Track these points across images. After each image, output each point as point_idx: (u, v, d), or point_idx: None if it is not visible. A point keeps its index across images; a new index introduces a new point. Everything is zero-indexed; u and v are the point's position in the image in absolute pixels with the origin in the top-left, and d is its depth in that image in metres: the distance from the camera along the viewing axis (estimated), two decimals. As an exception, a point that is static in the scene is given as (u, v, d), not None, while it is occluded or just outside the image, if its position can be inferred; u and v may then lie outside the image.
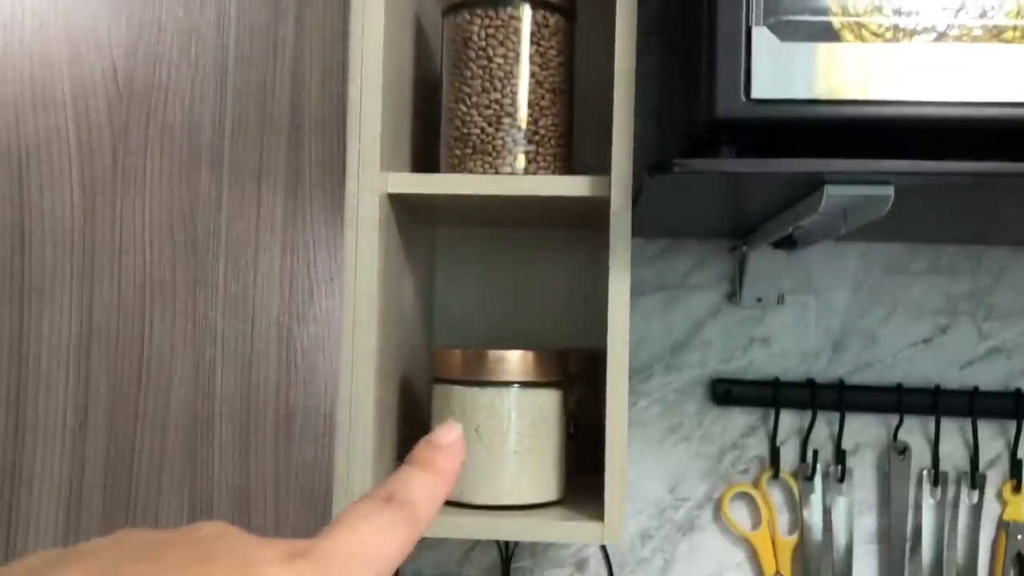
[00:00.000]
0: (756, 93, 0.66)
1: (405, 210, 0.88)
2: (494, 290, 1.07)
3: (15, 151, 0.60)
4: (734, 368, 1.06)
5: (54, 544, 0.62)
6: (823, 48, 0.66)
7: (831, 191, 0.68)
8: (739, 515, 1.06)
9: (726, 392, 1.05)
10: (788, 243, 0.93)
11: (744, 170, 0.66)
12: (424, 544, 1.08)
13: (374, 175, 0.77)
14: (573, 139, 0.89)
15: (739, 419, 1.06)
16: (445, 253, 1.07)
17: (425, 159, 0.93)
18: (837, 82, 0.66)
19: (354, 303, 0.77)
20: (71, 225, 0.62)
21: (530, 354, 0.81)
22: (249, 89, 0.68)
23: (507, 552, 1.07)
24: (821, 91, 0.66)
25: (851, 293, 1.06)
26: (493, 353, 0.81)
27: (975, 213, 0.87)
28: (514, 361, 0.81)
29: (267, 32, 0.69)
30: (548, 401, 0.82)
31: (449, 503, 0.82)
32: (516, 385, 0.81)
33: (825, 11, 0.67)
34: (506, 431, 0.80)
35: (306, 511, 0.73)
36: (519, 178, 0.80)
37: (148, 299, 0.65)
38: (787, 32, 0.66)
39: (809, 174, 0.66)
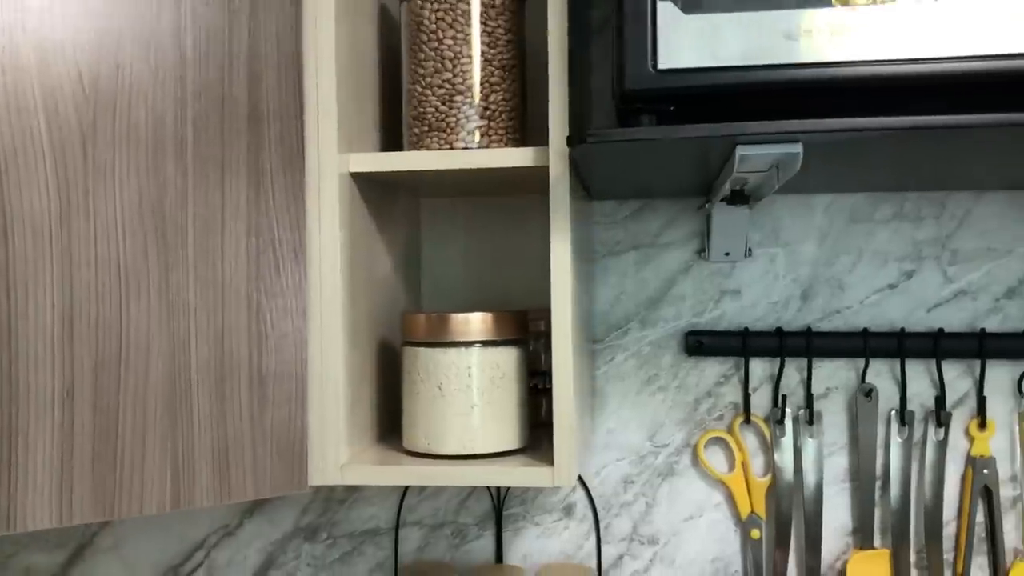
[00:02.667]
0: (663, 64, 0.71)
1: (376, 186, 0.95)
2: (477, 255, 1.13)
3: (-6, 155, 0.68)
4: (707, 320, 1.11)
5: (50, 506, 0.71)
6: (724, 17, 0.70)
7: (742, 151, 0.73)
8: (715, 459, 1.11)
9: (698, 344, 1.10)
10: (741, 199, 0.97)
11: (650, 137, 0.71)
12: (423, 494, 1.16)
13: (331, 157, 0.84)
14: (527, 112, 0.94)
15: (713, 368, 1.11)
16: (429, 223, 1.14)
17: (393, 138, 1.00)
18: (738, 49, 0.70)
19: (320, 275, 0.84)
20: (48, 218, 0.70)
21: (489, 315, 0.88)
22: (208, 86, 0.75)
23: (499, 500, 1.15)
24: (724, 58, 0.70)
25: (818, 244, 1.10)
26: (453, 316, 0.87)
27: (929, 163, 0.90)
28: (473, 322, 0.87)
29: (222, 32, 0.76)
30: (506, 358, 0.89)
31: (419, 454, 0.89)
32: (477, 344, 0.87)
33: (727, -17, 0.71)
34: (467, 387, 0.87)
35: (283, 465, 0.81)
36: (466, 152, 0.86)
37: (124, 282, 0.73)
38: (691, 4, 0.71)
39: (720, 137, 0.71)
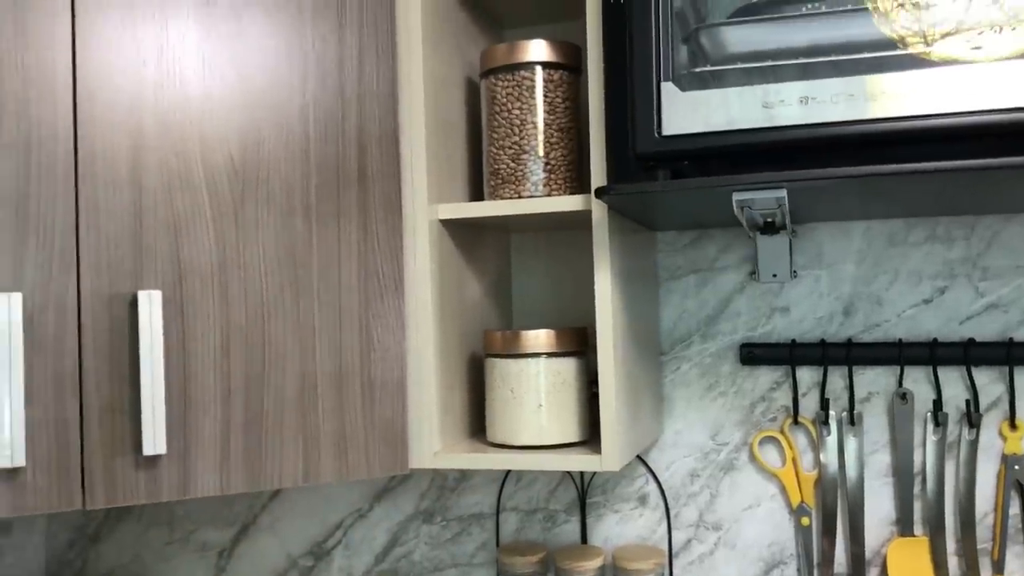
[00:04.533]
0: (666, 131, 0.90)
1: (464, 228, 1.17)
2: (557, 281, 1.34)
3: (171, 217, 0.94)
4: (759, 334, 1.27)
5: (213, 478, 0.96)
6: (714, 93, 0.88)
7: (737, 197, 0.91)
8: (769, 455, 1.27)
9: (751, 354, 1.26)
10: (772, 229, 1.13)
11: (654, 190, 0.90)
12: (519, 484, 1.37)
13: (423, 207, 1.07)
14: (584, 165, 1.14)
15: (766, 376, 1.27)
16: (518, 255, 1.35)
17: (480, 189, 1.22)
18: (725, 117, 0.88)
19: (416, 301, 1.07)
20: (210, 266, 0.95)
21: (552, 332, 1.08)
22: (326, 158, 0.99)
23: (583, 489, 1.34)
24: (713, 125, 0.88)
25: (857, 265, 1.24)
26: (523, 332, 1.08)
27: (953, 195, 1.03)
28: (538, 338, 1.08)
29: (337, 115, 1.00)
30: (567, 367, 1.08)
31: (498, 445, 1.10)
32: (543, 356, 1.08)
33: (716, 62, 0.89)
34: (534, 390, 1.07)
35: (388, 451, 1.03)
36: (530, 200, 1.07)
37: (265, 311, 0.98)
38: (687, 83, 0.89)
39: (711, 188, 0.89)
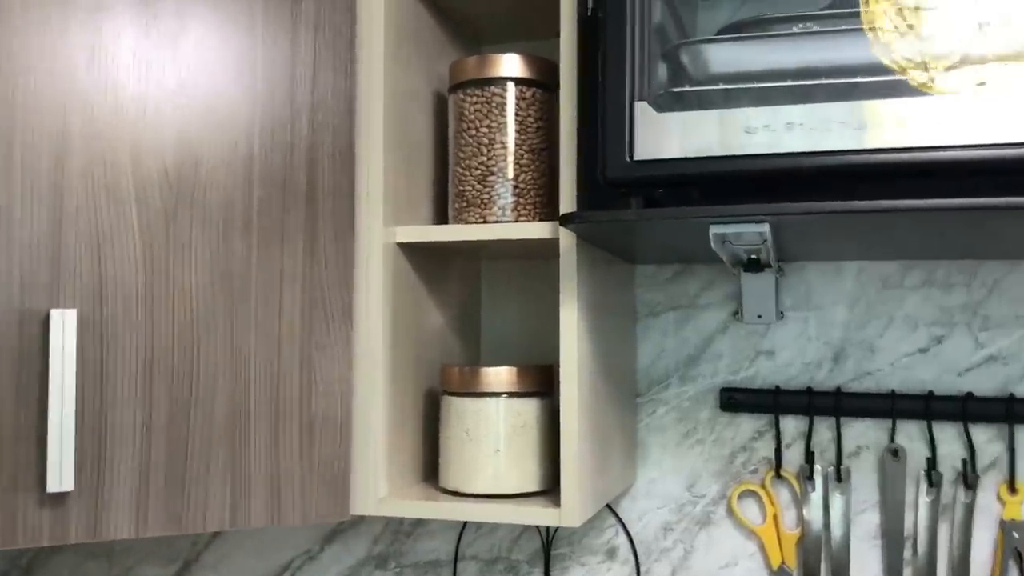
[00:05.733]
0: (638, 155, 0.81)
1: (427, 253, 1.09)
2: (532, 313, 1.25)
3: (94, 230, 0.86)
4: (742, 378, 1.18)
5: (129, 520, 0.87)
6: (693, 115, 0.80)
7: (715, 230, 0.82)
8: (749, 511, 1.18)
9: (732, 400, 1.17)
10: (756, 266, 1.05)
11: (623, 219, 0.81)
12: (480, 531, 1.27)
13: (378, 229, 0.98)
14: (558, 188, 1.06)
15: (748, 424, 1.18)
16: (489, 284, 1.26)
17: (445, 212, 1.13)
18: (703, 142, 0.80)
19: (367, 331, 0.98)
20: (136, 284, 0.86)
21: (514, 369, 0.99)
22: (271, 172, 0.90)
23: (548, 540, 1.24)
24: (691, 150, 0.80)
25: (849, 308, 1.15)
26: (482, 369, 0.99)
27: (955, 237, 0.95)
28: (498, 375, 0.99)
29: (285, 126, 0.91)
30: (529, 409, 0.99)
31: (451, 492, 1.01)
32: (503, 395, 0.99)
33: (697, 82, 0.81)
34: (491, 433, 0.98)
35: (328, 495, 0.94)
36: (495, 226, 0.98)
37: (195, 336, 0.89)
38: (664, 103, 0.81)
39: (684, 219, 0.81)
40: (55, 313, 0.83)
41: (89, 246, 0.86)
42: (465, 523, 1.27)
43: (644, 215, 0.80)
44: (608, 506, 1.22)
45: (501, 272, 1.26)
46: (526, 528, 1.26)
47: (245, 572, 1.37)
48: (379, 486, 0.98)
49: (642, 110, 0.81)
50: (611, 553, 1.23)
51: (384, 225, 0.99)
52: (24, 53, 0.85)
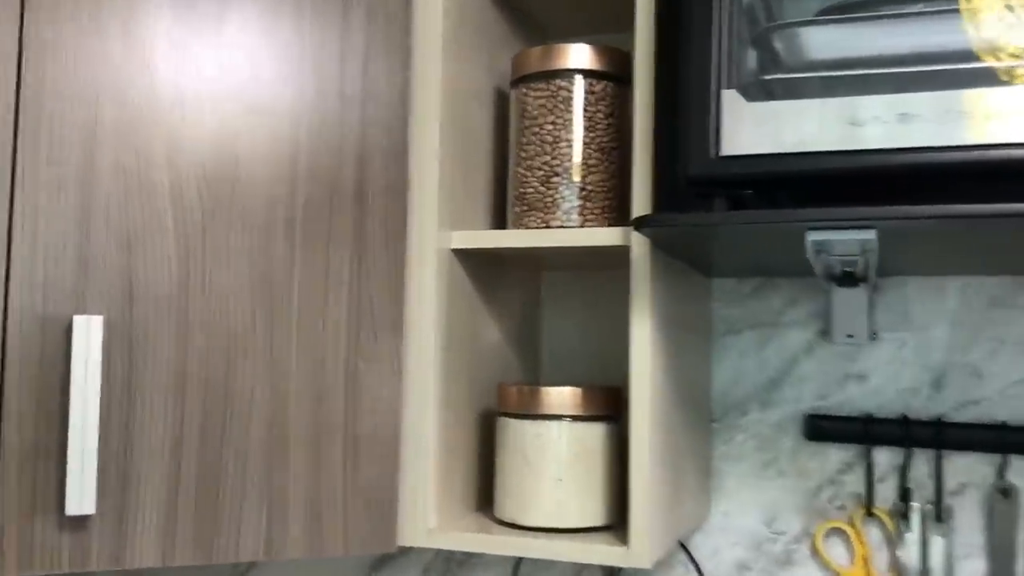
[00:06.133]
0: (725, 150, 0.71)
1: (485, 262, 1.00)
2: (596, 328, 1.15)
3: (125, 229, 0.79)
4: (830, 404, 1.07)
5: (156, 546, 0.79)
6: (788, 105, 0.70)
7: (812, 237, 0.72)
8: (836, 551, 1.06)
9: (819, 428, 1.06)
10: (850, 281, 0.94)
11: (708, 223, 0.71)
12: (538, 564, 1.17)
13: (432, 234, 0.90)
14: (629, 191, 0.96)
15: (835, 455, 1.07)
16: (550, 296, 1.17)
17: (503, 216, 1.05)
18: (802, 135, 0.70)
19: (419, 345, 0.90)
20: (169, 288, 0.79)
21: (578, 390, 0.90)
22: (318, 170, 0.83)
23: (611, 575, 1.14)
24: (787, 145, 0.70)
25: (951, 328, 1.03)
26: (543, 389, 0.90)
27: None
28: (560, 396, 0.89)
29: (333, 121, 0.84)
30: (594, 434, 0.90)
31: (507, 524, 0.91)
32: (566, 419, 0.89)
33: (793, 69, 0.71)
34: (552, 461, 0.89)
35: (373, 524, 0.86)
36: (557, 231, 0.89)
37: (233, 348, 0.81)
38: (755, 92, 0.71)
39: (779, 223, 0.71)
40: (79, 319, 0.76)
41: (119, 247, 0.79)
42: (520, 558, 1.18)
43: (731, 218, 0.71)
44: (679, 542, 1.12)
45: (564, 284, 1.17)
46: (588, 565, 1.16)
47: (288, 598, 1.29)
48: (429, 515, 0.89)
49: (730, 99, 0.71)
50: (681, 592, 1.12)
51: (439, 229, 0.91)
52: (55, 38, 0.78)
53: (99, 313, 0.78)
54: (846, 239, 0.70)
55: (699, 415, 1.05)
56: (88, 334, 0.76)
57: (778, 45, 0.71)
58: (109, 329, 0.79)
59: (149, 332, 0.80)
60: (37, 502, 0.76)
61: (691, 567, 1.11)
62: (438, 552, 1.22)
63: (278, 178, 0.84)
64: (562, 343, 1.17)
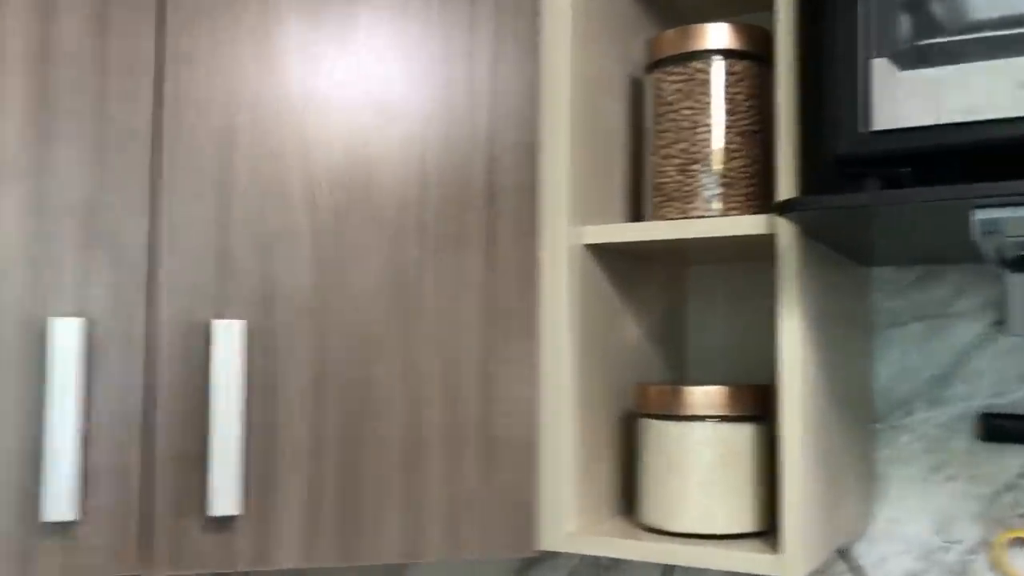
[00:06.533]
0: (877, 125, 0.65)
1: (623, 257, 0.97)
2: (744, 325, 1.09)
3: (262, 234, 0.80)
4: (1008, 402, 0.98)
5: (298, 547, 0.80)
6: (946, 71, 0.64)
7: (980, 215, 0.65)
8: (1022, 563, 0.96)
9: (997, 428, 0.97)
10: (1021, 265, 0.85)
11: (867, 203, 0.65)
12: (688, 572, 1.13)
13: (563, 230, 0.87)
14: (773, 177, 0.90)
15: (1017, 458, 0.97)
16: (696, 291, 1.12)
17: (641, 209, 1.01)
18: (963, 104, 0.63)
19: (554, 344, 0.87)
20: (305, 291, 0.80)
21: (724, 389, 0.85)
22: (448, 169, 0.82)
23: (767, 584, 1.08)
24: (946, 115, 0.63)
25: None
26: (685, 389, 0.85)
27: None
28: (705, 396, 0.85)
29: (462, 119, 0.83)
30: (741, 435, 0.85)
31: (650, 529, 0.88)
32: (711, 419, 0.85)
33: (954, 31, 0.64)
34: (696, 464, 0.84)
35: (511, 527, 0.84)
36: (696, 222, 0.84)
37: (368, 350, 0.81)
38: (908, 59, 0.65)
39: (951, 199, 0.64)
40: (220, 324, 0.78)
41: (256, 252, 0.81)
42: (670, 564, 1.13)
43: (884, 198, 0.64)
44: (840, 549, 1.05)
45: (710, 279, 1.12)
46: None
47: (437, 600, 1.29)
48: (569, 519, 0.86)
49: (881, 69, 0.65)
50: (844, 604, 1.05)
51: (570, 225, 0.88)
52: (191, 51, 0.80)
53: (239, 317, 0.80)
54: (1020, 216, 0.63)
55: (858, 414, 0.97)
56: (229, 338, 0.78)
57: (935, 6, 0.64)
58: (249, 333, 0.80)
59: (288, 335, 0.81)
60: (184, 503, 0.78)
61: (855, 577, 1.04)
62: (583, 557, 1.19)
63: (408, 179, 0.84)
64: (708, 341, 1.12)
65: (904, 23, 0.66)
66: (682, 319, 1.12)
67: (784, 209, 0.70)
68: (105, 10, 0.79)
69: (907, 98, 0.64)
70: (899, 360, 1.03)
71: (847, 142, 0.66)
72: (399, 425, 0.83)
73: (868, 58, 0.66)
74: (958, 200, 0.62)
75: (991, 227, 0.66)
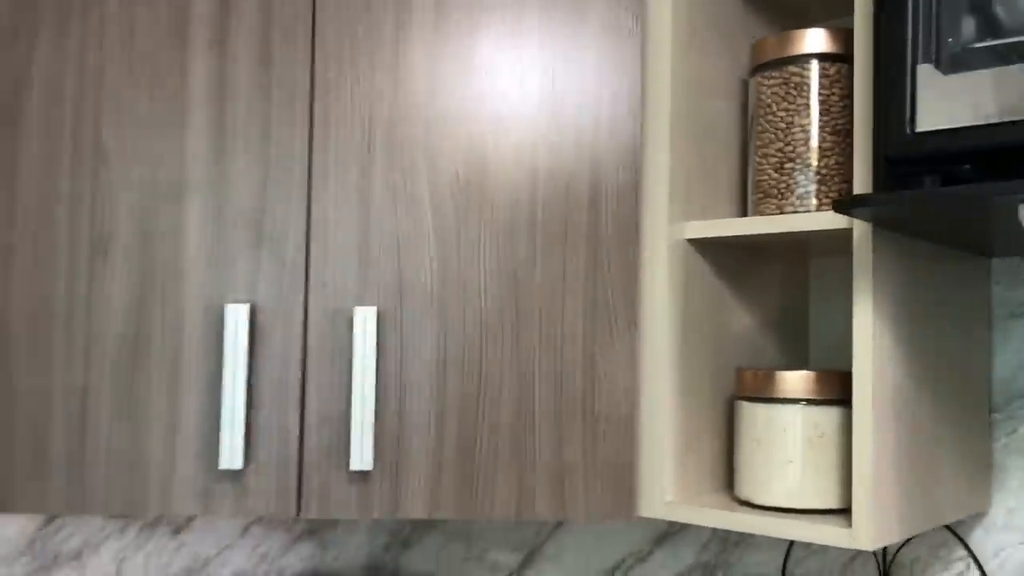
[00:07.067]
0: (921, 126, 0.70)
1: (734, 250, 1.03)
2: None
3: (394, 234, 0.94)
4: None
5: (424, 498, 0.94)
6: (986, 74, 0.67)
7: (1025, 210, 0.68)
8: None
9: (1117, 420, 0.96)
10: None
11: (905, 201, 0.70)
12: (810, 550, 1.17)
13: (662, 228, 0.95)
14: (870, 173, 0.94)
15: None
16: (819, 281, 1.17)
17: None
18: (1001, 105, 0.66)
19: (654, 333, 0.96)
20: (430, 284, 0.93)
21: (812, 374, 0.90)
22: (554, 173, 0.93)
23: (884, 567, 1.11)
24: (985, 116, 0.67)
25: None
26: (777, 373, 0.92)
27: None
28: (793, 380, 0.91)
29: (568, 125, 0.93)
30: (829, 418, 0.90)
31: (742, 502, 0.94)
32: (800, 402, 0.91)
33: (988, 36, 0.68)
34: (783, 443, 0.90)
35: (611, 493, 0.93)
36: (789, 217, 0.90)
37: (484, 335, 0.93)
38: (951, 64, 0.69)
39: (984, 197, 0.68)
40: (358, 311, 0.92)
41: (390, 250, 0.95)
42: (792, 541, 1.18)
43: (918, 197, 0.69)
44: (957, 536, 1.06)
45: (831, 269, 1.16)
46: (860, 552, 1.14)
47: (581, 565, 1.40)
48: (665, 489, 0.95)
49: (926, 74, 0.70)
50: (962, 591, 1.06)
51: (670, 222, 0.96)
52: (336, 77, 0.95)
53: (374, 305, 0.94)
54: (1062, 211, 0.66)
55: (967, 404, 0.99)
56: (365, 323, 0.92)
57: (973, 16, 0.68)
58: (382, 319, 0.94)
59: (414, 321, 0.94)
60: (330, 459, 0.94)
61: (971, 563, 1.05)
62: (715, 531, 1.26)
63: (519, 184, 0.95)
64: (830, 329, 1.16)
65: (946, 30, 0.70)
66: (803, 308, 1.16)
67: (839, 207, 0.75)
68: (268, 48, 0.96)
69: (949, 101, 0.68)
70: (1019, 351, 1.03)
71: (896, 143, 0.71)
72: (510, 400, 0.94)
73: (915, 63, 0.70)
74: (994, 196, 0.66)
75: (1042, 220, 0.69)
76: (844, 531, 0.83)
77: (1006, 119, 0.66)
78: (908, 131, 0.70)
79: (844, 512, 0.91)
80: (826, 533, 0.84)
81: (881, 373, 0.83)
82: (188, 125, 0.96)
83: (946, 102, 0.69)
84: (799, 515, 0.89)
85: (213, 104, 0.96)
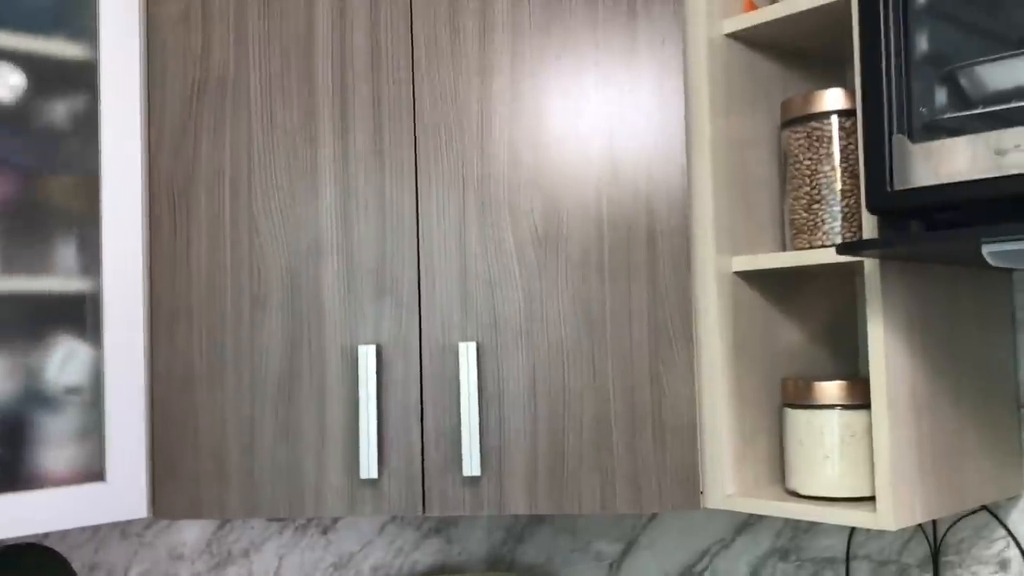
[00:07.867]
0: (897, 185, 0.87)
1: (779, 277, 1.21)
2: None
3: (488, 278, 1.15)
4: None
5: (524, 497, 1.15)
6: (945, 143, 0.84)
7: (988, 248, 0.84)
8: None
9: None
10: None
11: (901, 245, 0.87)
12: (871, 534, 1.33)
13: (711, 262, 1.14)
14: (888, 208, 1.10)
15: None
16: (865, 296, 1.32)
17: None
18: (955, 168, 0.83)
19: (710, 352, 1.14)
20: (519, 318, 1.14)
21: (844, 383, 1.07)
22: (617, 219, 1.12)
23: (935, 546, 1.26)
24: (944, 176, 0.83)
25: None
26: (815, 383, 1.09)
27: None
28: (828, 388, 1.08)
29: (628, 176, 1.12)
30: (859, 420, 1.06)
31: (791, 493, 1.12)
32: (834, 408, 1.08)
33: (942, 112, 0.84)
34: (819, 443, 1.07)
35: (680, 489, 1.12)
36: (814, 252, 1.07)
37: (565, 360, 1.14)
38: (917, 134, 0.86)
39: (958, 239, 0.84)
40: (461, 346, 1.14)
41: (485, 290, 1.16)
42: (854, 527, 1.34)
43: (894, 239, 0.86)
44: (996, 517, 1.20)
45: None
46: (915, 534, 1.29)
47: (673, 553, 1.59)
48: (726, 484, 1.13)
49: (899, 142, 0.87)
50: (1003, 565, 1.20)
51: (718, 256, 1.14)
52: (434, 144, 1.18)
53: (474, 340, 1.16)
54: (1009, 249, 0.82)
55: (992, 401, 1.14)
56: (468, 355, 1.14)
57: (934, 95, 0.85)
58: (481, 351, 1.16)
59: (507, 351, 1.15)
60: (446, 467, 1.16)
61: (1011, 541, 1.19)
62: (787, 520, 1.43)
63: (588, 231, 1.15)
64: (879, 338, 1.31)
65: (917, 106, 0.86)
66: (852, 319, 1.32)
67: (839, 251, 0.93)
68: (380, 133, 1.19)
69: (916, 165, 0.85)
70: (1043, 352, 1.17)
71: (877, 197, 0.88)
72: (590, 415, 1.14)
73: (891, 133, 0.87)
74: (969, 240, 0.82)
75: (1002, 259, 0.85)
76: (870, 515, 1.00)
77: (973, 178, 0.82)
78: (888, 189, 0.87)
79: (873, 499, 1.07)
80: (855, 516, 1.00)
81: (895, 381, 1.00)
82: (321, 197, 1.19)
83: (918, 165, 0.85)
84: (836, 503, 1.06)
85: (339, 179, 1.19)
